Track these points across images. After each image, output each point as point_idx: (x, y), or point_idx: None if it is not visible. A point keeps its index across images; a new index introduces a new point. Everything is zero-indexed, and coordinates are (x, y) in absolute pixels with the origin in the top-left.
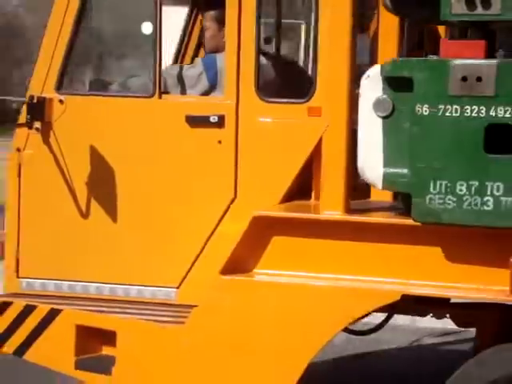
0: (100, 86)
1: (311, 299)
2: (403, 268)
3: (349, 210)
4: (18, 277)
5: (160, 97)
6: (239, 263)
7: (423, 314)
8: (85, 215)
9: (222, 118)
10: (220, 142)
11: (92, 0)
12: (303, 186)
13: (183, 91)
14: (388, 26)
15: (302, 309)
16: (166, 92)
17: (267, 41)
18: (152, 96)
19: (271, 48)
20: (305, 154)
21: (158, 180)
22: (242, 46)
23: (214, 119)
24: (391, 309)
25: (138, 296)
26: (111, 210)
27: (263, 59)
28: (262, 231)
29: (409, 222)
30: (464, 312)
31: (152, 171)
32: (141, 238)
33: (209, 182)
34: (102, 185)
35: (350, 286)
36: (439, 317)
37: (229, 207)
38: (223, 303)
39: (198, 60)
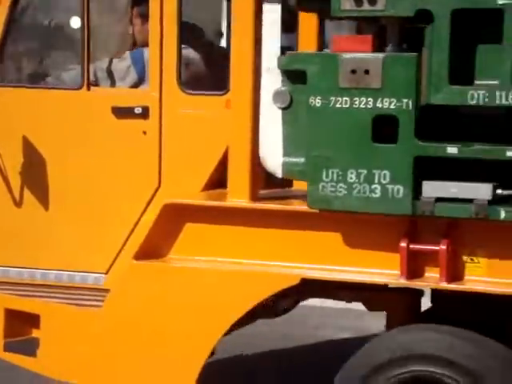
0: (36, 78)
1: (216, 283)
2: (303, 253)
3: (255, 198)
4: None
5: (88, 89)
6: (153, 249)
7: (333, 298)
8: (18, 203)
9: (146, 110)
10: (145, 132)
11: None
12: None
13: (113, 84)
14: (307, 22)
15: (207, 292)
16: (97, 85)
17: (219, 35)
18: (80, 88)
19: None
20: (223, 145)
21: (87, 169)
22: (164, 39)
23: (138, 110)
24: (301, 294)
25: (70, 281)
26: (43, 198)
27: (191, 52)
28: (173, 218)
29: (306, 209)
30: (373, 295)
31: (81, 161)
32: (71, 225)
33: (135, 171)
34: (35, 174)
35: (251, 270)
36: (349, 301)
37: (153, 196)
38: (134, 287)
39: (127, 54)
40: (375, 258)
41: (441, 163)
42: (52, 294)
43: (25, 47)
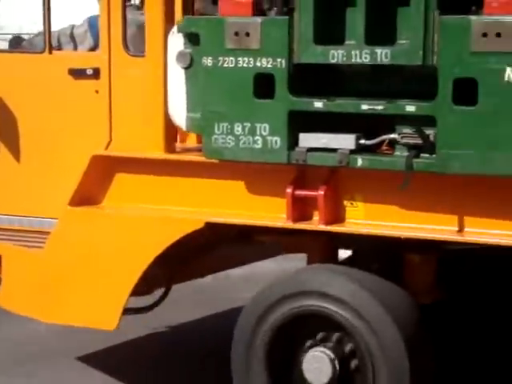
0: (14, 43)
1: (135, 227)
2: (208, 200)
3: (170, 150)
4: None
5: (50, 52)
6: (88, 196)
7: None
8: None
9: (97, 71)
10: (97, 91)
11: None
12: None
13: (75, 48)
14: None
15: (128, 235)
16: (60, 49)
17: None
18: (43, 52)
19: None
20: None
21: (48, 124)
22: (110, 3)
23: (89, 72)
24: (225, 240)
25: (28, 225)
26: (5, 150)
27: (137, 16)
28: (103, 169)
29: (206, 159)
30: (289, 239)
31: (43, 117)
32: (29, 174)
33: (89, 127)
34: (4, 128)
35: (164, 215)
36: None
37: (106, 149)
38: (67, 230)
39: (85, 19)
40: (268, 203)
41: (317, 117)
42: (6, 237)
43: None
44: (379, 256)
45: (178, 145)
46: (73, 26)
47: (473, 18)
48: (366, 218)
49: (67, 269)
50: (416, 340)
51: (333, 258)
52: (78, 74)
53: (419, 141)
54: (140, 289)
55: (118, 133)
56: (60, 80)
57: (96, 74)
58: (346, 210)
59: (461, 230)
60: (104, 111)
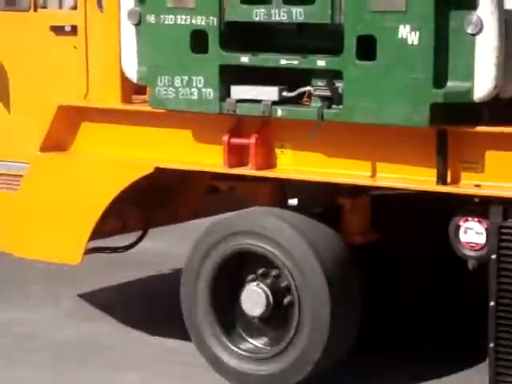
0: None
1: (93, 172)
2: (158, 147)
3: (126, 101)
4: None
5: (35, 10)
6: (58, 143)
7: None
8: None
9: (74, 28)
10: (75, 47)
11: None
12: None
13: (60, 7)
14: None
15: (88, 179)
16: (45, 7)
17: None
18: (29, 10)
19: None
20: None
21: (31, 77)
22: None
23: (68, 28)
24: (186, 188)
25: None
26: None
27: None
28: (69, 118)
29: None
30: (243, 185)
31: (27, 70)
32: (13, 122)
33: (69, 80)
34: None
35: (117, 161)
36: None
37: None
38: (36, 174)
39: None
40: (210, 150)
41: (247, 71)
42: None
43: None
44: (320, 202)
45: (138, 97)
46: None
47: None
48: (294, 165)
49: (37, 208)
50: (340, 278)
51: (281, 205)
52: (58, 30)
53: (329, 93)
54: (115, 226)
55: (94, 85)
56: (43, 36)
57: (74, 30)
58: (276, 157)
59: (373, 176)
60: (81, 65)
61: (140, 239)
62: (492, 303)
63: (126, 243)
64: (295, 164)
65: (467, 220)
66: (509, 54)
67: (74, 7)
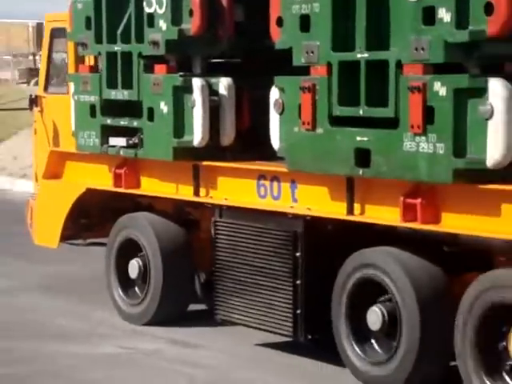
0: None
1: (61, 191)
2: (89, 173)
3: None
4: None
5: None
6: (54, 174)
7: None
8: None
9: None
10: None
11: None
12: None
13: None
14: None
15: (60, 196)
16: None
17: None
18: None
19: None
20: None
21: None
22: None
23: None
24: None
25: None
26: None
27: None
28: (57, 158)
29: None
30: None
31: None
32: None
33: None
34: None
35: (71, 184)
36: None
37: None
38: (42, 191)
39: None
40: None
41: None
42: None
43: None
44: None
45: None
46: None
47: None
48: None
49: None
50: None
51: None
52: None
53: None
54: (70, 233)
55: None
56: None
57: None
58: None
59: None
60: None
61: (93, 243)
62: None
63: None
64: (145, 188)
65: None
66: None
67: None
